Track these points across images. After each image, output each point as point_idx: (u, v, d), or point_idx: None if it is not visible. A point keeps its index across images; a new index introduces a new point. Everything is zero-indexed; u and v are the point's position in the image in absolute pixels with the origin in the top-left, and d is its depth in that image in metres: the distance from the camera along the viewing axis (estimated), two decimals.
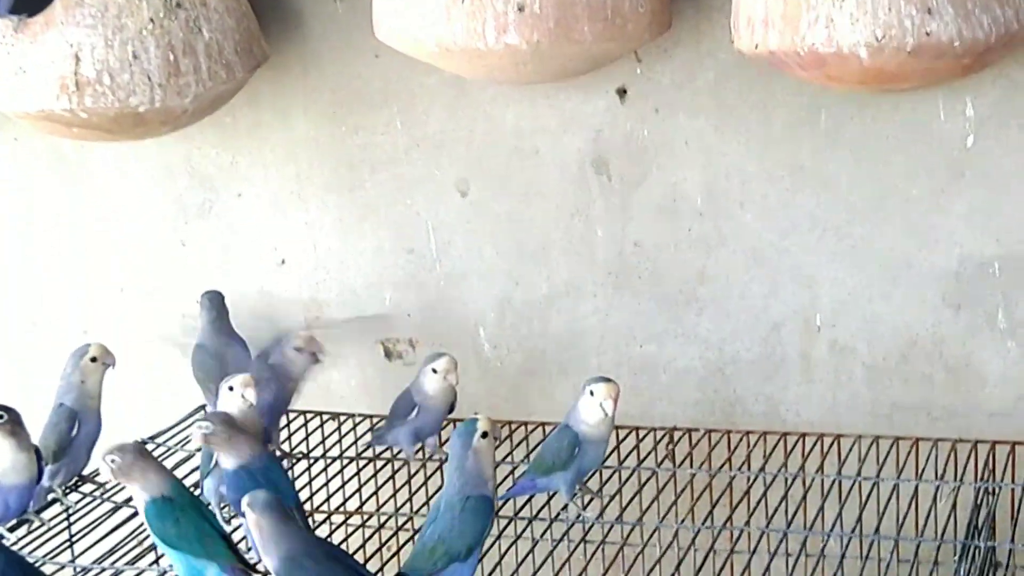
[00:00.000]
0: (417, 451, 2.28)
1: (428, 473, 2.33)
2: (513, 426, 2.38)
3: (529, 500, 2.18)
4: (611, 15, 2.15)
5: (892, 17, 1.97)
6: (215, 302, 2.43)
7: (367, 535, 2.20)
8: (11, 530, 2.11)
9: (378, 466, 2.33)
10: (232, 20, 2.33)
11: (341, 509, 2.21)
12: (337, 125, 2.54)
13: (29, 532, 2.14)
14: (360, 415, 2.47)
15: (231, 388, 2.11)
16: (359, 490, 2.33)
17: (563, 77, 2.30)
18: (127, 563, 2.09)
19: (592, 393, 2.05)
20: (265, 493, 1.80)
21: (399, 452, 2.30)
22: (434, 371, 2.24)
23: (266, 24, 2.46)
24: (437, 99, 2.49)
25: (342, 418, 2.46)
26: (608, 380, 2.05)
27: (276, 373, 2.29)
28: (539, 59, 2.17)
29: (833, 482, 2.19)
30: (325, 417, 2.47)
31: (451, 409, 2.27)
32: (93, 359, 2.27)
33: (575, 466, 2.07)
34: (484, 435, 1.86)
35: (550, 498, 2.19)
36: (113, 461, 1.92)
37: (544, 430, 2.37)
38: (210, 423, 1.97)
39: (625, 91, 2.41)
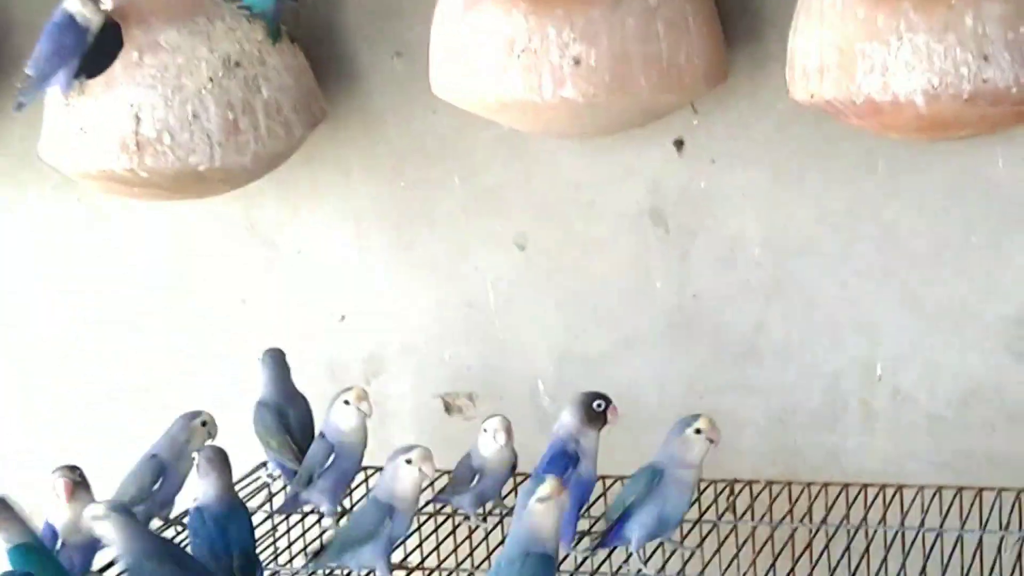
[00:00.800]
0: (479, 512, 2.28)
1: (489, 528, 2.32)
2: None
3: (588, 559, 2.17)
4: (667, 67, 2.16)
5: (948, 64, 1.97)
6: (277, 360, 2.44)
7: None
8: None
9: (439, 520, 2.33)
10: (290, 78, 2.35)
11: (403, 564, 2.20)
12: (396, 181, 2.55)
13: None
14: None
15: (408, 461, 2.08)
16: (420, 544, 2.33)
17: (620, 129, 2.31)
18: None
19: (699, 430, 2.07)
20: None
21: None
22: (485, 430, 2.24)
23: (324, 81, 2.48)
24: (494, 153, 2.50)
25: None
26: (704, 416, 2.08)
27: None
28: (595, 112, 2.18)
29: (896, 533, 2.17)
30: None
31: (513, 469, 2.27)
32: (203, 423, 2.33)
33: (655, 508, 2.06)
34: (540, 500, 1.85)
35: (609, 554, 2.18)
36: None
37: (604, 483, 2.36)
38: None
39: (682, 142, 2.41)
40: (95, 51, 2.27)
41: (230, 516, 2.09)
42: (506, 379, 2.51)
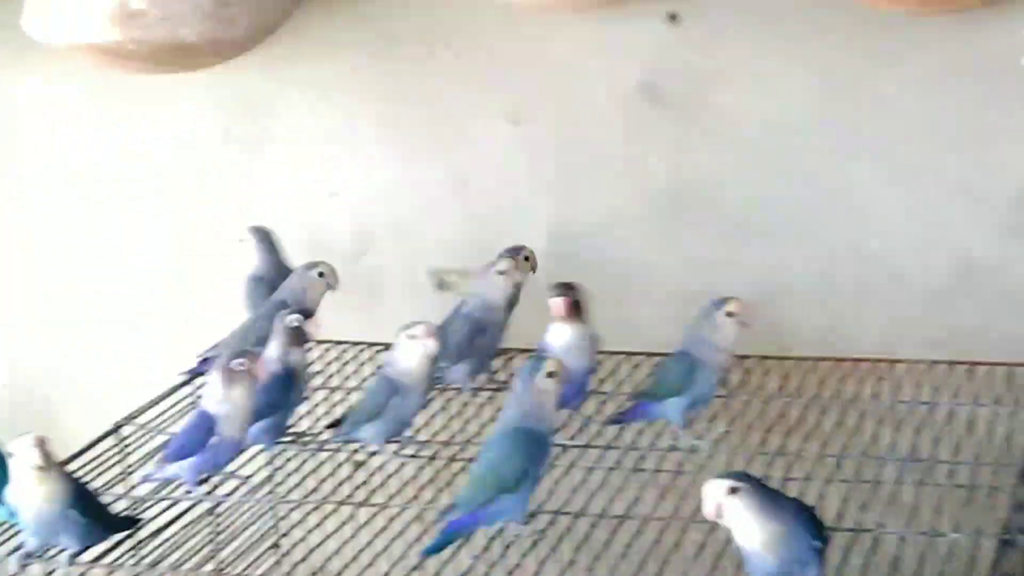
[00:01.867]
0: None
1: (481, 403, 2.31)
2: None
3: (581, 430, 2.17)
4: None
5: None
6: (264, 236, 2.43)
7: (420, 465, 2.19)
8: None
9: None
10: None
11: (394, 439, 2.20)
12: (386, 56, 2.53)
13: None
14: None
15: (411, 337, 2.07)
16: None
17: (613, 2, 2.27)
18: None
19: (730, 313, 2.06)
20: None
21: None
22: (501, 273, 2.24)
23: None
24: (486, 28, 2.47)
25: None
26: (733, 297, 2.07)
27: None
28: None
29: (889, 407, 2.17)
30: (378, 348, 2.46)
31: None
32: (320, 274, 2.31)
33: (689, 395, 2.07)
34: (550, 374, 1.86)
35: (603, 426, 2.18)
36: None
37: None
38: None
39: (676, 16, 2.38)
40: None
41: None
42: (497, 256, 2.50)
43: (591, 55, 2.44)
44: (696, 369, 2.06)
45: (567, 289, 2.08)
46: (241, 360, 1.98)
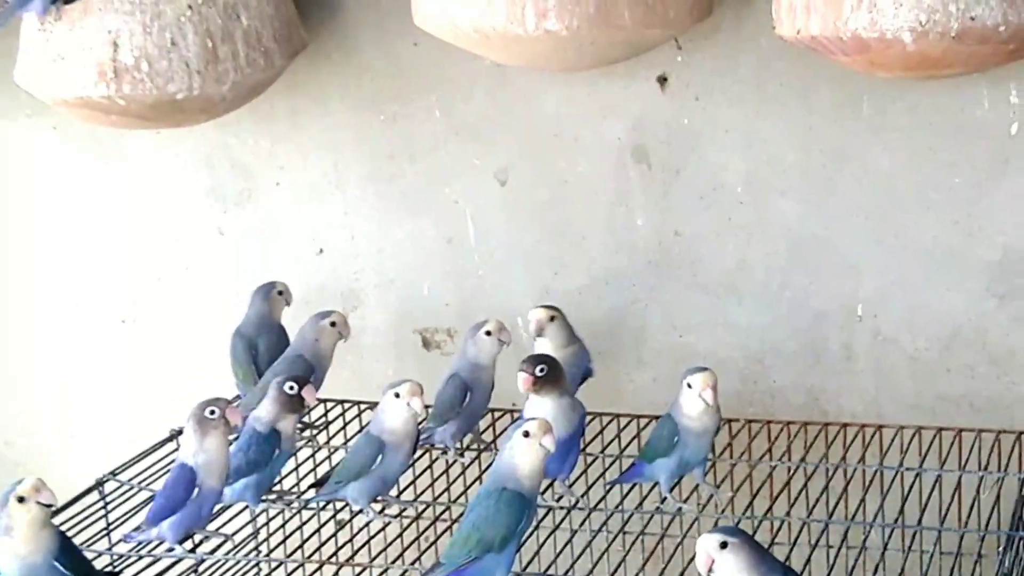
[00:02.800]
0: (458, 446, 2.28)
1: (467, 463, 2.31)
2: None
3: (564, 494, 2.16)
4: (652, 1, 2.13)
5: (936, 1, 1.95)
6: (259, 292, 2.43)
7: (404, 524, 2.19)
8: None
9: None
10: (270, 7, 2.32)
11: (379, 498, 2.19)
12: (376, 113, 2.53)
13: None
14: None
15: (397, 395, 2.07)
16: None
17: (603, 64, 2.28)
18: None
19: (690, 385, 2.04)
20: None
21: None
22: (487, 334, 2.24)
23: (305, 10, 2.45)
24: (476, 87, 2.47)
25: None
26: (704, 369, 2.04)
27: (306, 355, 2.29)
28: (579, 45, 2.15)
29: (875, 473, 2.16)
30: (363, 407, 2.45)
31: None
32: (332, 323, 2.32)
33: (676, 457, 2.06)
34: (525, 434, 1.85)
35: (588, 488, 2.18)
36: None
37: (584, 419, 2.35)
38: None
39: (666, 78, 2.39)
40: None
41: None
42: (485, 315, 2.48)
43: (580, 114, 2.45)
44: (679, 433, 2.06)
45: (535, 363, 2.06)
46: (212, 408, 1.98)
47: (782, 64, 2.33)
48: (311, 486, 2.20)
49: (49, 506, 1.84)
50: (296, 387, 2.10)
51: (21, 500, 1.83)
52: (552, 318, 2.24)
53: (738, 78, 2.36)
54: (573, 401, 2.10)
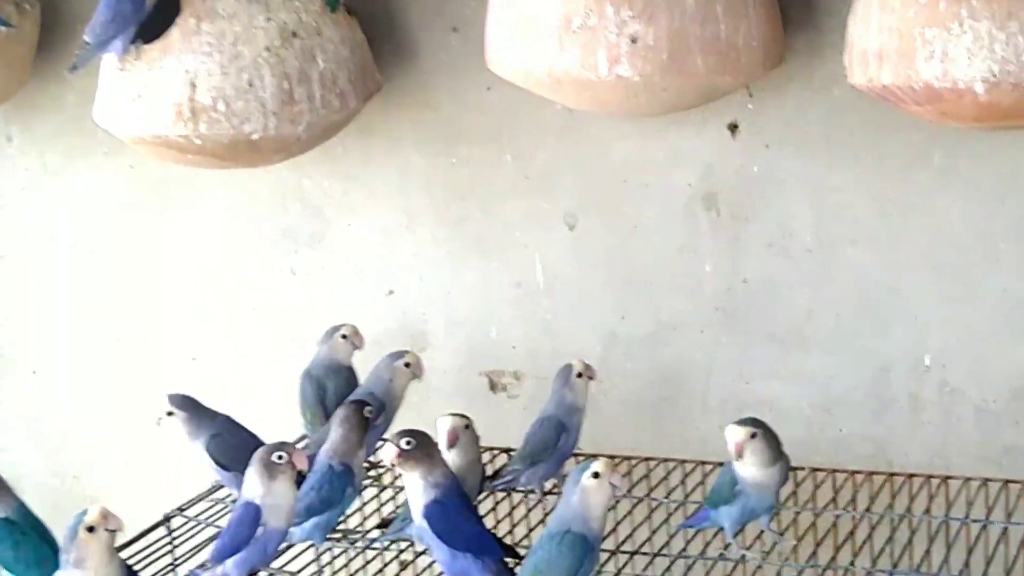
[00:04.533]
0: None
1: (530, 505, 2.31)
2: (617, 460, 2.36)
3: (630, 536, 2.17)
4: (725, 48, 2.14)
5: (1010, 52, 1.95)
6: (329, 332, 2.44)
7: None
8: None
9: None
10: (347, 50, 2.35)
11: None
12: (447, 156, 2.55)
13: None
14: None
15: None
16: None
17: (674, 110, 2.29)
18: None
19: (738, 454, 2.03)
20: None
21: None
22: (579, 376, 2.24)
23: (380, 54, 2.48)
24: (548, 132, 2.49)
25: None
26: (739, 424, 2.04)
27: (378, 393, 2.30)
28: (651, 92, 2.16)
29: (941, 524, 2.15)
30: None
31: None
32: (579, 375, 2.28)
33: (738, 506, 2.05)
34: (595, 475, 1.85)
35: (652, 533, 2.18)
36: None
37: (648, 465, 2.35)
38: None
39: (736, 126, 2.40)
40: (153, 17, 2.27)
41: None
42: (552, 359, 2.49)
43: (650, 161, 2.45)
44: (739, 482, 2.05)
45: (401, 435, 1.99)
46: (280, 453, 1.99)
47: (852, 113, 2.33)
48: (377, 526, 2.21)
49: (117, 532, 1.85)
50: (374, 411, 2.14)
51: (91, 530, 1.84)
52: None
53: (808, 127, 2.36)
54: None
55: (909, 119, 2.20)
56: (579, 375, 2.25)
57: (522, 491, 2.29)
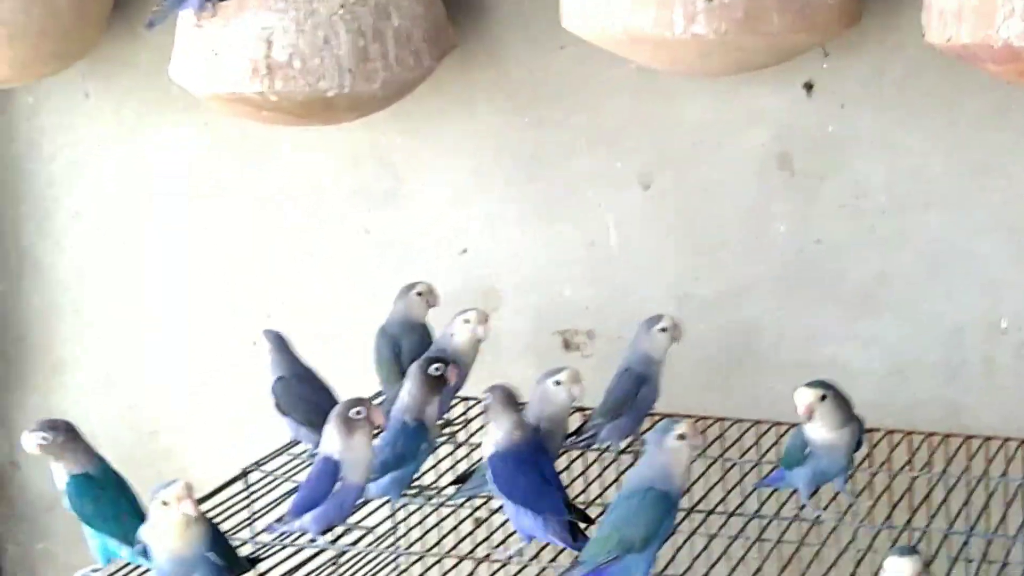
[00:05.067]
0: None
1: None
2: (691, 420, 2.34)
3: (705, 496, 2.17)
4: (801, 6, 2.13)
5: None
6: (403, 292, 2.44)
7: None
8: None
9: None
10: (421, 7, 2.35)
11: None
12: (520, 115, 2.55)
13: None
14: None
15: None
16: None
17: (749, 69, 2.28)
18: None
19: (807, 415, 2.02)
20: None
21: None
22: (663, 330, 2.24)
23: (454, 12, 2.47)
24: (621, 91, 2.48)
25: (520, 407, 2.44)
26: (808, 385, 2.02)
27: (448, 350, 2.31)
28: (726, 50, 2.16)
29: (1018, 487, 2.14)
30: None
31: None
32: (663, 329, 2.27)
33: (810, 468, 2.04)
34: (681, 436, 1.85)
35: (727, 494, 2.18)
36: (44, 439, 2.02)
37: (722, 425, 2.35)
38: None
39: (811, 85, 2.39)
40: None
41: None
42: (625, 318, 2.49)
43: (724, 120, 2.45)
44: (809, 445, 2.04)
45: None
46: (359, 408, 2.00)
47: (929, 73, 2.31)
48: (453, 482, 2.21)
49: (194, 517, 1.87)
50: (441, 368, 2.12)
51: (165, 504, 1.86)
52: (823, 397, 2.02)
53: (884, 86, 2.35)
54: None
55: (986, 79, 2.19)
56: (663, 329, 2.24)
57: (597, 449, 2.29)
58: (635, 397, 2.23)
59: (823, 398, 2.01)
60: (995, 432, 2.30)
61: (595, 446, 2.28)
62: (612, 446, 2.27)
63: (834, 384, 2.03)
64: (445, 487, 2.24)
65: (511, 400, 1.99)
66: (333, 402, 2.16)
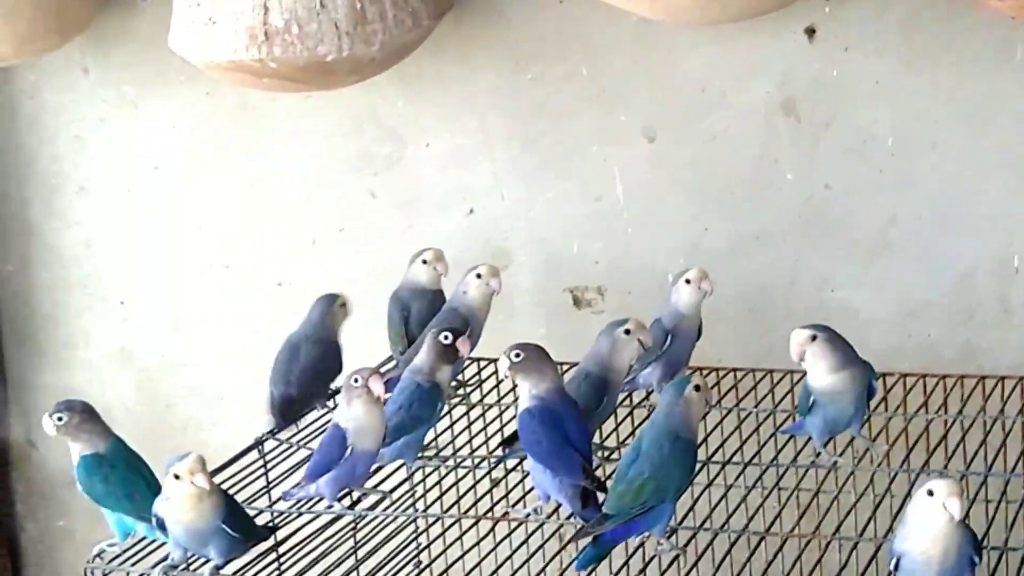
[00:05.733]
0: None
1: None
2: (705, 372, 2.35)
3: (720, 447, 2.16)
4: None
5: None
6: (412, 258, 2.43)
7: None
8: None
9: None
10: None
11: None
12: (522, 72, 2.54)
13: None
14: None
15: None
16: None
17: (750, 16, 2.27)
18: None
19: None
20: None
21: None
22: (687, 281, 2.23)
23: None
24: (622, 45, 2.47)
25: None
26: (802, 329, 2.02)
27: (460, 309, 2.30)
28: None
29: None
30: None
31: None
32: (343, 305, 2.33)
33: (819, 415, 2.03)
34: (697, 388, 1.87)
35: (743, 443, 2.17)
36: (59, 419, 2.03)
37: (735, 376, 2.34)
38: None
39: (814, 30, 2.37)
40: None
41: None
42: (635, 273, 2.49)
43: (727, 69, 2.43)
44: (811, 391, 2.04)
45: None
46: (356, 376, 2.00)
47: (932, 13, 2.30)
48: (501, 443, 2.20)
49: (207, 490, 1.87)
50: (451, 337, 2.12)
51: (177, 477, 1.86)
52: (813, 338, 2.02)
53: (887, 28, 2.34)
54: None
55: (989, 16, 2.18)
56: (687, 281, 2.23)
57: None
58: (661, 347, 2.22)
59: (813, 338, 2.01)
60: (1010, 371, 2.29)
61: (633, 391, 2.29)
62: (653, 390, 2.27)
63: (830, 327, 2.02)
64: (460, 448, 2.23)
65: (544, 357, 1.99)
66: None
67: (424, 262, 2.41)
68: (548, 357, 1.99)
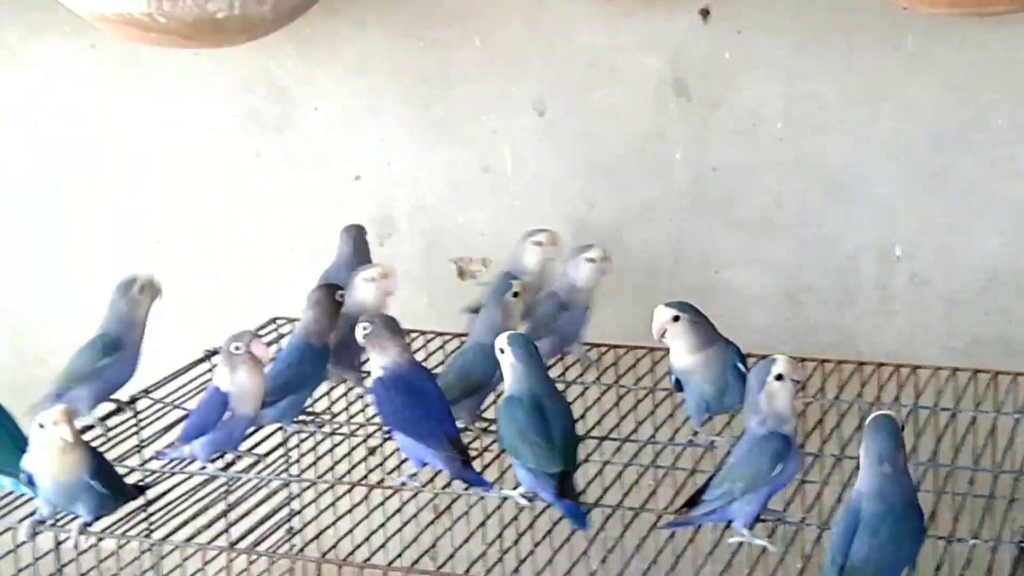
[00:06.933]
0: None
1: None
2: (587, 348, 2.35)
3: (598, 423, 2.16)
4: None
5: None
6: (352, 234, 2.40)
7: None
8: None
9: None
10: None
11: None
12: (414, 39, 2.52)
13: None
14: (432, 332, 2.45)
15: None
16: None
17: None
18: None
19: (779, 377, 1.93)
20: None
21: None
22: (590, 260, 2.24)
23: None
24: (515, 15, 2.46)
25: (414, 335, 2.43)
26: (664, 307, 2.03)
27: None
28: None
29: (909, 413, 2.15)
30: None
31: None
32: (141, 289, 2.24)
33: (691, 393, 2.03)
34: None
35: (621, 420, 2.17)
36: None
37: (616, 353, 2.34)
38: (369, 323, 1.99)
39: (708, 11, 2.37)
40: None
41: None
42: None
43: (619, 46, 2.43)
44: (676, 373, 2.04)
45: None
46: (237, 343, 1.98)
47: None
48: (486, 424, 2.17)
49: (71, 442, 1.84)
50: (344, 294, 2.14)
51: (41, 426, 1.83)
52: (676, 318, 2.02)
53: (780, 12, 2.34)
54: None
55: (881, 5, 2.19)
56: (590, 260, 2.24)
57: None
58: (553, 320, 2.23)
59: (676, 319, 2.00)
60: (888, 358, 2.31)
61: None
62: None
63: (693, 306, 2.03)
64: (337, 414, 2.22)
65: (393, 327, 1.99)
66: None
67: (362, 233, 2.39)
68: (397, 327, 2.00)
